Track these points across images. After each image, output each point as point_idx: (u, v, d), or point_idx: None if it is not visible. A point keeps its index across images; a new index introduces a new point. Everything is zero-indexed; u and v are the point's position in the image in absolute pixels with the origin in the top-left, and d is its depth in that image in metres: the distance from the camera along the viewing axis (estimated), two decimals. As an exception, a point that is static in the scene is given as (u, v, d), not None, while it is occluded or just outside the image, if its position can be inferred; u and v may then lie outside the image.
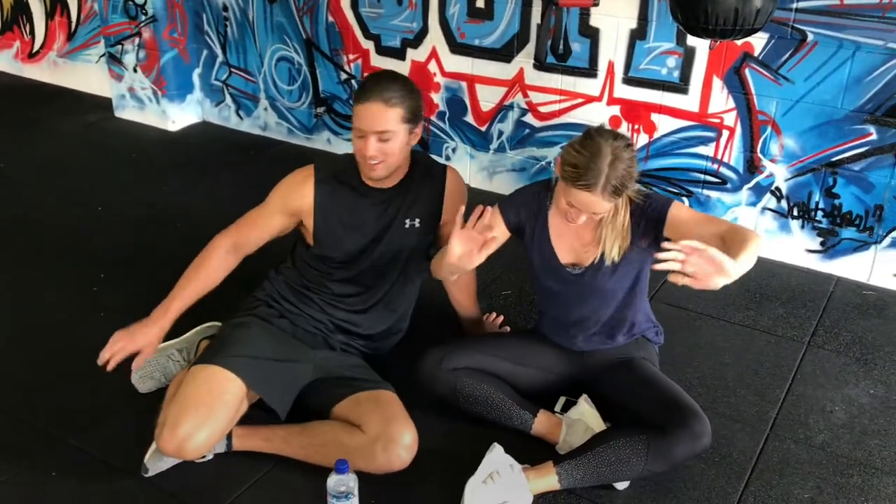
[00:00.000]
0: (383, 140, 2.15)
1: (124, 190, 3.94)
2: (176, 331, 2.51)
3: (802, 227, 3.26)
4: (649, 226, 2.15)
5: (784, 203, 3.26)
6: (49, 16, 5.13)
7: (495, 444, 2.15)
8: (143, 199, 3.83)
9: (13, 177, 4.05)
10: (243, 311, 2.39)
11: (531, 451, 2.22)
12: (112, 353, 2.19)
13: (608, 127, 2.10)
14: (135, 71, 4.61)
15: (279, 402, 2.20)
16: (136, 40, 4.50)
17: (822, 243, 3.24)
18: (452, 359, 2.31)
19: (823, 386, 2.60)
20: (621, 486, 2.15)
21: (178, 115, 4.68)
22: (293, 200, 2.32)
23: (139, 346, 2.21)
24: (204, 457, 2.17)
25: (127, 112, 4.81)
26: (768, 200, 3.29)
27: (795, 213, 3.25)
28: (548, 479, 2.10)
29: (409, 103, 2.17)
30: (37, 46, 5.31)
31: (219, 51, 4.49)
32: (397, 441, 2.08)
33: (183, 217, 3.65)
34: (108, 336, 2.71)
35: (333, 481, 1.92)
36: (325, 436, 2.15)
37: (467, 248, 2.06)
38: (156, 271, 3.15)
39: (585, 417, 2.28)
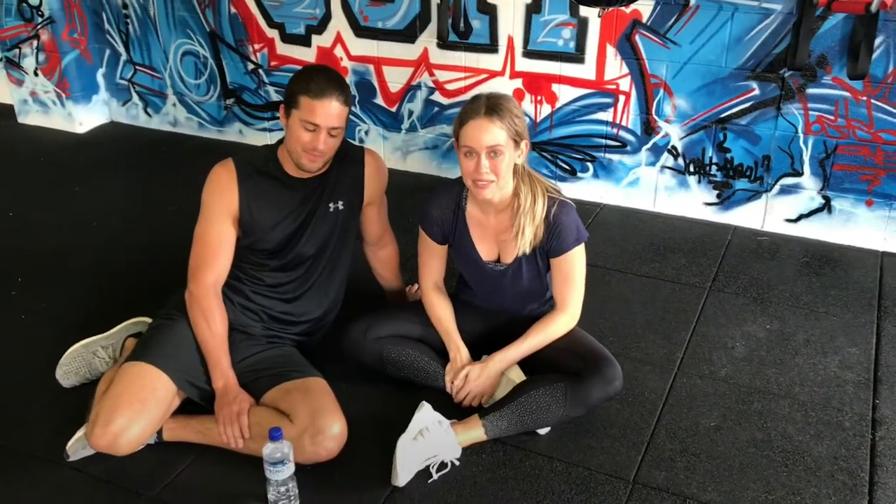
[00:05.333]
0: (332, 135, 2.23)
1: (35, 195, 3.88)
2: (103, 326, 2.56)
3: (699, 182, 3.46)
4: (552, 245, 2.31)
5: (681, 161, 3.45)
6: (-61, 23, 4.97)
7: (424, 402, 2.25)
8: (55, 203, 3.79)
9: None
10: (172, 308, 2.38)
11: (458, 408, 2.34)
12: (234, 431, 2.16)
13: None
14: (36, 74, 4.53)
15: (206, 400, 2.25)
16: (35, 43, 4.42)
17: (718, 195, 3.45)
18: (376, 328, 2.41)
19: (724, 325, 2.80)
20: (543, 431, 2.28)
21: (85, 117, 4.62)
22: (229, 200, 2.32)
23: (245, 407, 2.19)
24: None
25: (31, 117, 4.72)
26: (666, 159, 3.48)
27: (692, 169, 3.45)
28: (475, 432, 2.22)
29: (350, 100, 2.28)
30: (-72, 56, 5.14)
31: (122, 49, 4.45)
32: (325, 432, 2.11)
33: (98, 217, 3.63)
34: (30, 335, 2.74)
35: (269, 449, 1.99)
36: (256, 428, 2.16)
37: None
38: (74, 271, 3.18)
39: (507, 371, 2.40)
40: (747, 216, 3.43)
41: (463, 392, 2.35)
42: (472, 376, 2.34)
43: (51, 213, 3.68)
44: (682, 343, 2.70)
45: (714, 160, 3.39)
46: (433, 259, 2.48)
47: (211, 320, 2.28)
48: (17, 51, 4.51)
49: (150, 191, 3.87)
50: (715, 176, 3.42)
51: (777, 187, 3.33)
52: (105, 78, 4.61)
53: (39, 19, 4.33)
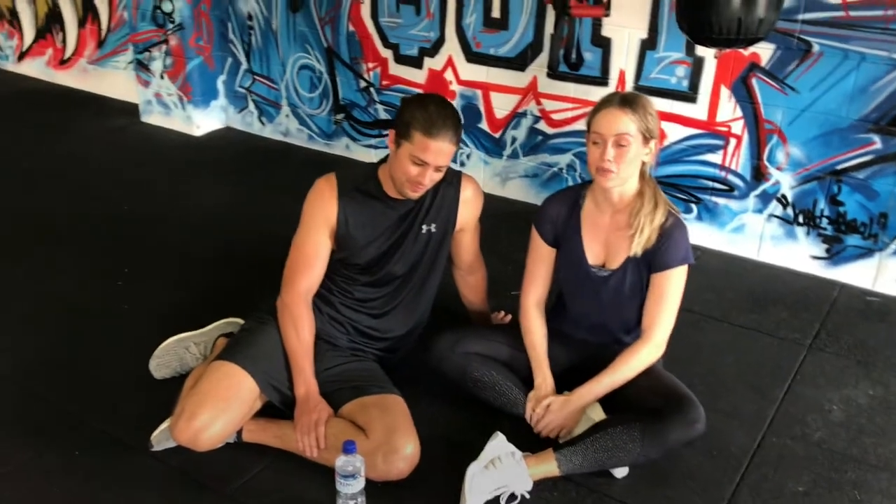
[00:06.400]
0: (438, 171, 2.26)
1: (149, 191, 4.07)
2: (199, 322, 2.65)
3: (808, 233, 3.32)
4: (657, 258, 2.27)
5: (790, 210, 3.32)
6: (81, 24, 5.31)
7: (497, 432, 2.23)
8: (166, 200, 3.96)
9: (44, 175, 4.20)
10: (265, 312, 2.43)
11: (534, 440, 2.30)
12: (311, 440, 2.20)
13: None
14: (161, 77, 4.76)
15: (288, 406, 2.29)
16: (164, 47, 4.65)
17: (826, 250, 3.30)
18: (465, 343, 2.41)
19: (823, 386, 2.66)
20: (619, 473, 2.22)
21: (203, 121, 4.82)
22: (329, 214, 2.35)
23: (323, 417, 2.23)
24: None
25: (153, 117, 4.96)
26: (774, 208, 3.35)
27: (801, 220, 3.31)
28: (547, 466, 2.17)
29: (461, 139, 2.31)
30: (68, 53, 5.49)
31: (243, 58, 4.63)
32: (398, 452, 2.11)
33: (202, 218, 3.77)
34: (130, 325, 2.86)
35: (341, 461, 2.01)
36: (331, 439, 2.18)
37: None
38: (176, 267, 3.31)
39: (587, 407, 2.35)
40: (857, 274, 3.26)
41: (543, 423, 2.32)
42: (553, 407, 2.31)
43: (162, 210, 3.85)
44: (774, 400, 2.58)
45: (825, 213, 3.25)
46: (540, 266, 2.47)
47: (300, 328, 2.32)
48: (147, 54, 4.75)
49: (256, 196, 4.00)
50: (825, 229, 3.27)
51: (893, 246, 3.16)
52: (225, 85, 4.80)
53: (170, 25, 4.56)
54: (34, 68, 5.75)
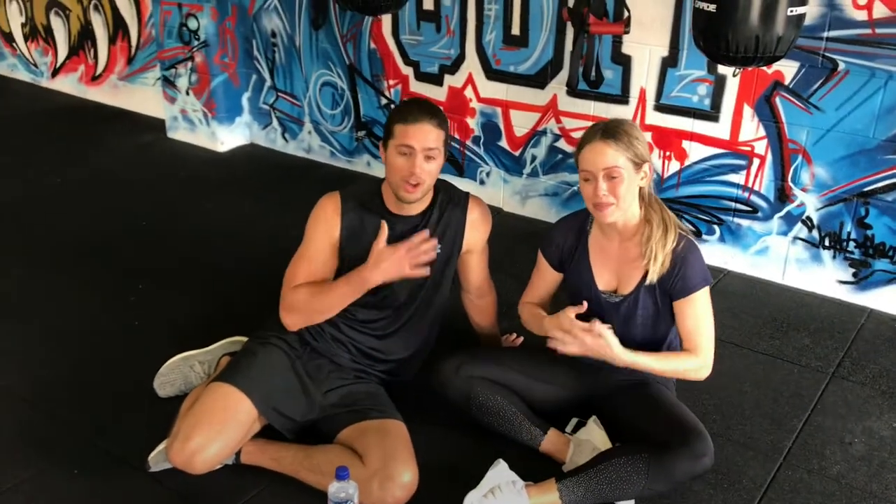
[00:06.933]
0: (429, 158, 2.24)
1: (169, 206, 4.09)
2: (209, 340, 2.64)
3: (834, 257, 3.21)
4: (676, 285, 2.21)
5: (815, 233, 3.22)
6: (111, 40, 5.39)
7: (499, 459, 2.17)
8: (186, 216, 3.98)
9: (69, 190, 4.26)
10: (269, 333, 2.41)
11: (537, 469, 2.22)
12: (421, 254, 2.25)
13: None
14: (187, 94, 4.81)
15: (287, 429, 2.26)
16: (189, 64, 4.69)
17: (854, 274, 3.19)
18: (470, 367, 2.35)
19: (844, 417, 2.55)
20: (625, 506, 2.14)
21: (227, 137, 4.85)
22: (331, 230, 2.34)
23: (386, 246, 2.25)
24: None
25: (179, 133, 5.00)
26: (799, 230, 3.25)
27: (827, 243, 3.21)
28: (549, 496, 2.10)
29: (447, 127, 2.30)
30: (99, 70, 5.58)
31: (267, 75, 4.65)
32: (395, 480, 2.07)
33: (224, 233, 3.78)
34: (140, 341, 2.87)
35: (334, 488, 1.97)
36: (328, 465, 2.12)
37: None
38: (191, 283, 3.31)
39: (593, 438, 2.28)
40: (886, 300, 3.14)
41: (569, 337, 2.18)
42: (599, 328, 2.16)
43: (181, 225, 3.87)
44: (792, 431, 2.48)
45: (853, 236, 3.14)
46: (541, 286, 2.46)
47: (313, 289, 2.30)
48: (173, 70, 4.80)
49: (276, 212, 3.99)
50: (852, 253, 3.16)
51: (923, 272, 3.04)
52: (249, 101, 4.83)
53: (196, 43, 4.60)
54: (67, 84, 5.85)
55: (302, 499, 2.17)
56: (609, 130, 2.15)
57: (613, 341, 2.17)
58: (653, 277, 2.22)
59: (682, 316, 2.25)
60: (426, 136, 2.23)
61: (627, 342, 2.29)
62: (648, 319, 2.28)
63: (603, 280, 2.32)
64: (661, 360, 2.24)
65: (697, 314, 2.24)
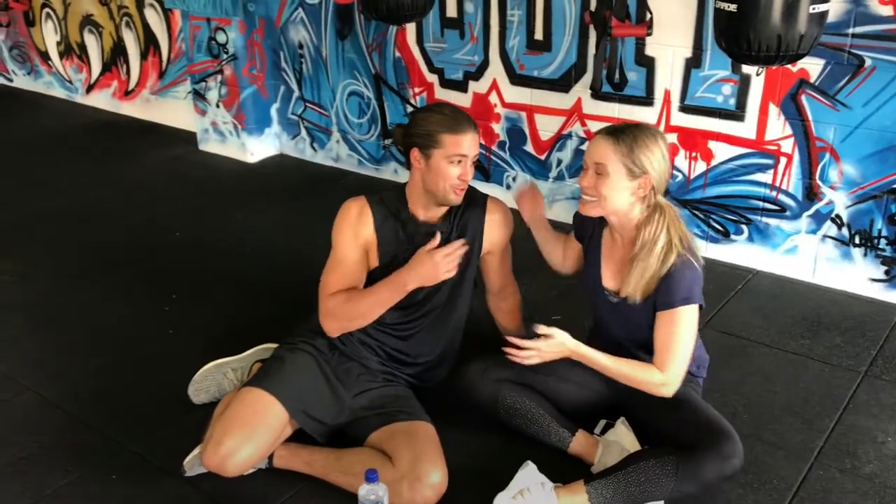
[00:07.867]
0: (474, 165, 2.32)
1: (201, 217, 4.16)
2: (243, 347, 2.69)
3: (865, 255, 3.18)
4: (658, 295, 2.17)
5: (845, 231, 3.19)
6: (143, 56, 5.50)
7: (528, 461, 2.19)
8: (217, 227, 4.04)
9: (104, 202, 4.35)
10: (298, 339, 2.44)
11: (566, 471, 2.24)
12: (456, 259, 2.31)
13: None
14: (217, 106, 4.89)
15: (317, 433, 2.29)
16: (219, 77, 4.78)
17: (886, 272, 3.15)
18: (497, 370, 2.37)
19: (877, 416, 2.53)
20: (654, 508, 2.14)
21: (257, 148, 4.92)
22: (361, 233, 2.37)
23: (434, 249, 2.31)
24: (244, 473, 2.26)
25: (210, 145, 5.09)
26: (829, 228, 3.23)
27: (857, 240, 3.18)
28: (578, 498, 2.11)
29: None
30: (132, 85, 5.70)
31: (295, 86, 4.72)
32: (424, 480, 2.09)
33: (255, 243, 3.83)
34: (174, 350, 2.92)
35: (364, 490, 2.00)
36: (358, 467, 2.14)
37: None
38: (224, 292, 3.37)
39: (622, 439, 2.29)
40: (920, 297, 3.11)
41: (528, 346, 2.20)
42: (545, 331, 2.18)
43: (213, 236, 3.93)
44: (824, 430, 2.47)
45: (883, 233, 3.11)
46: (571, 243, 2.51)
47: (350, 294, 2.33)
48: (203, 84, 4.89)
49: (306, 221, 4.05)
50: (884, 250, 3.13)
51: (956, 268, 3.00)
52: (278, 112, 4.89)
53: (224, 56, 4.68)
54: (101, 100, 5.98)
55: (334, 501, 2.20)
56: (618, 129, 2.17)
57: (564, 337, 2.19)
58: (632, 295, 2.18)
59: (657, 327, 2.19)
60: (474, 144, 2.30)
61: (631, 341, 2.32)
62: (644, 322, 2.26)
63: (608, 278, 2.33)
64: (619, 363, 2.20)
65: (673, 331, 2.16)
